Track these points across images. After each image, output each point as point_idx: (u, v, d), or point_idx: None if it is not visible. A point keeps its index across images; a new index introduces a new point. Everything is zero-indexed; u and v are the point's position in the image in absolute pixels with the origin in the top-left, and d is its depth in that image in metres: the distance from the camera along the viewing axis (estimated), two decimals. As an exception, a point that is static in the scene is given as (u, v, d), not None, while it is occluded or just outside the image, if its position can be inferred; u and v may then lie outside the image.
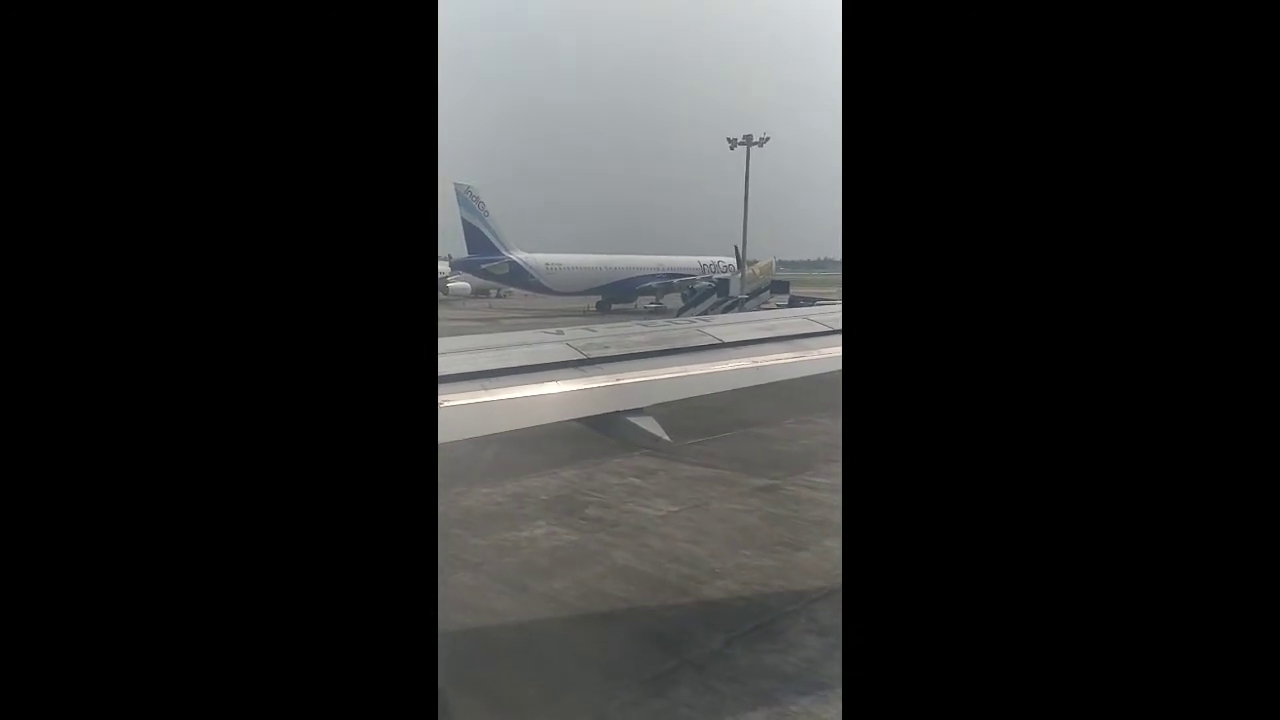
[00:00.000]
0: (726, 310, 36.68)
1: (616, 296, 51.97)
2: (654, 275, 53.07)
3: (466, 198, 47.15)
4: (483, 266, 48.78)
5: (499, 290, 62.41)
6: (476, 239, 48.14)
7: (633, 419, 4.40)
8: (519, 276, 49.36)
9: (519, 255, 49.09)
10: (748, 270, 46.10)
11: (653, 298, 51.87)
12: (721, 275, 52.17)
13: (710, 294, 44.36)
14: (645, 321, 5.95)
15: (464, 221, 47.72)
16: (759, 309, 31.27)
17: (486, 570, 8.32)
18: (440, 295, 58.52)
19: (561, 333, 5.09)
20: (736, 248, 47.01)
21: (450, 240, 55.15)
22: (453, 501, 10.68)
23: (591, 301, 51.69)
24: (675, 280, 52.21)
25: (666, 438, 4.37)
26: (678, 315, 34.17)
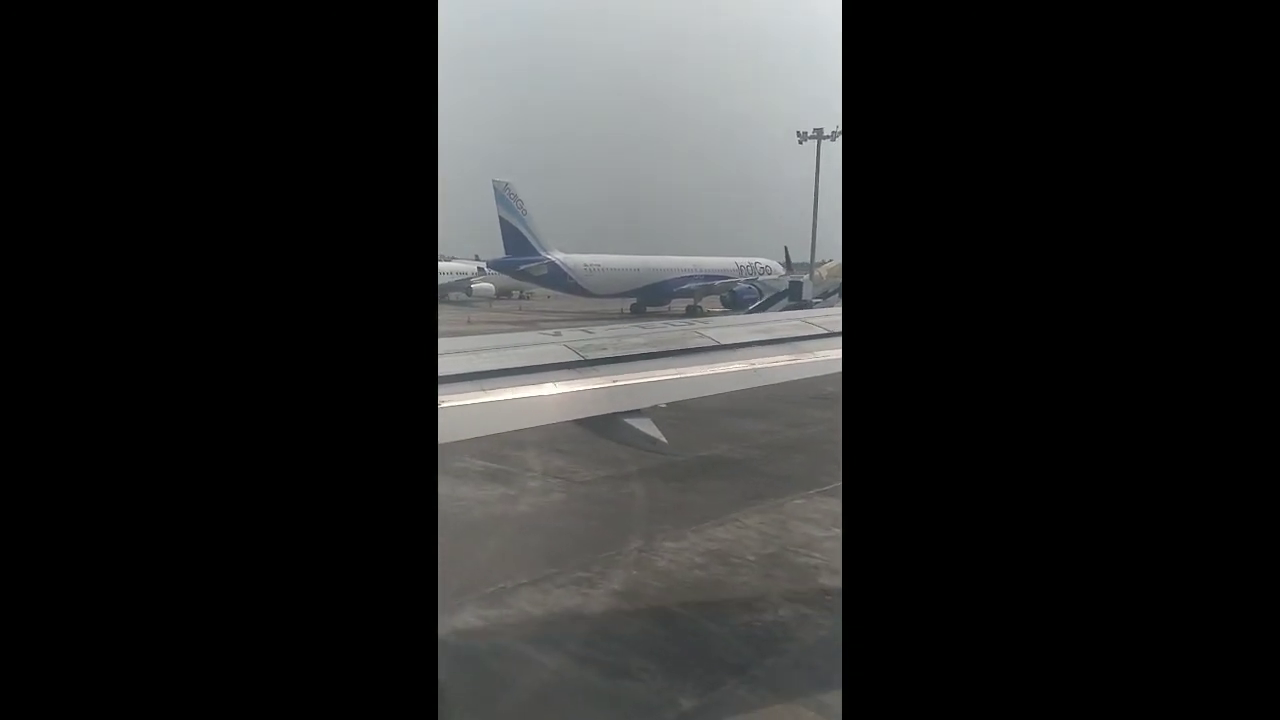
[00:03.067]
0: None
1: (652, 299, 49.94)
2: (692, 277, 51.11)
3: (505, 195, 45.07)
4: (521, 268, 46.70)
5: (523, 291, 60.62)
6: (514, 239, 46.04)
7: (630, 421, 4.34)
8: (557, 278, 47.28)
9: (557, 256, 47.01)
10: (815, 272, 44.25)
11: (691, 300, 49.90)
12: (768, 277, 50.42)
13: (781, 297, 42.49)
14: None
15: (501, 220, 45.62)
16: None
17: (763, 681, 6.34)
18: (465, 296, 56.99)
19: (559, 334, 5.03)
20: (786, 248, 45.14)
21: (487, 240, 53.44)
22: (642, 561, 8.72)
23: (625, 304, 49.66)
24: (716, 282, 50.27)
25: (664, 439, 4.33)
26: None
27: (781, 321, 6.04)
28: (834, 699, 6.14)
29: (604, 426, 4.39)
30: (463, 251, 66.71)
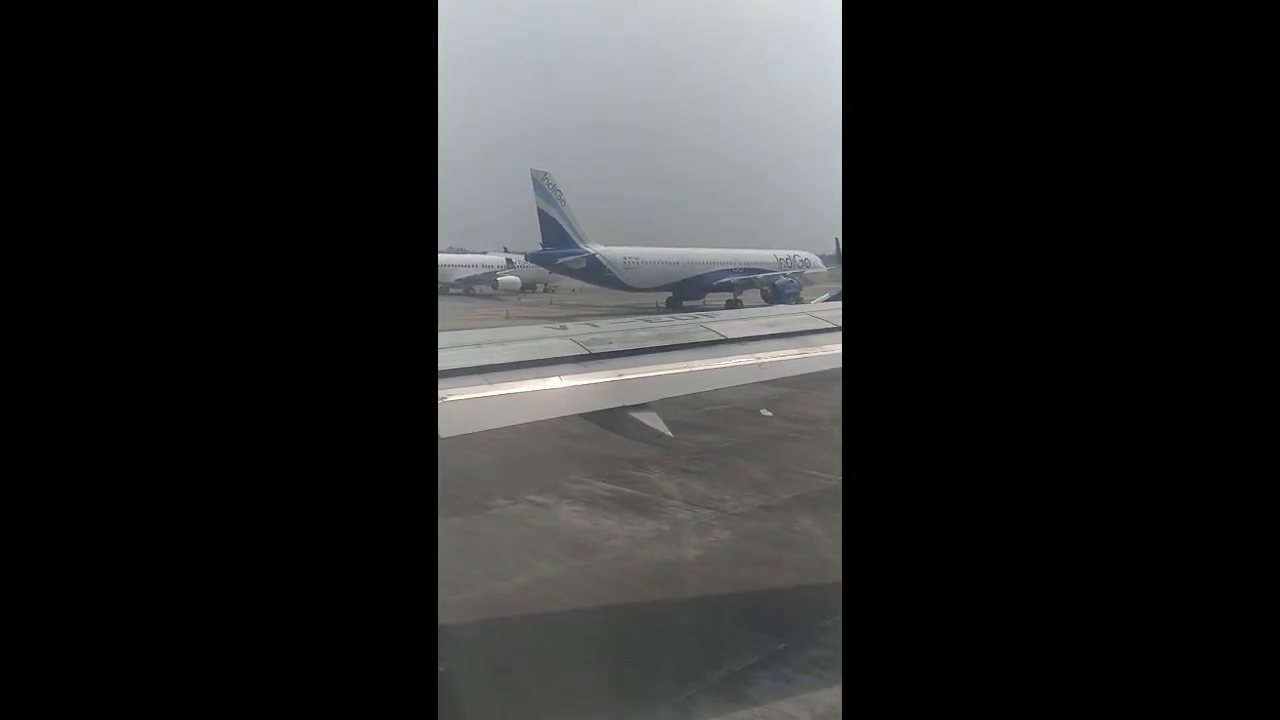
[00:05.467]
0: None
1: (688, 294, 48.13)
2: (731, 270, 49.34)
3: (543, 185, 43.14)
4: (560, 261, 44.81)
5: (547, 284, 58.96)
6: (553, 230, 44.16)
7: (636, 414, 4.26)
8: (595, 271, 45.44)
9: (596, 248, 45.17)
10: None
11: (731, 294, 48.11)
12: (809, 271, 48.82)
13: None
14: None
15: (539, 212, 43.71)
16: None
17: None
18: (490, 290, 55.40)
19: (565, 327, 4.99)
20: (838, 239, 43.19)
21: (518, 232, 51.85)
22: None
23: (659, 299, 47.84)
24: (759, 276, 48.48)
25: (669, 433, 4.26)
26: None
27: (787, 315, 5.90)
28: None
29: (609, 420, 4.28)
30: (492, 244, 65.13)
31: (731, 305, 45.22)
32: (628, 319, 5.65)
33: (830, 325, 5.55)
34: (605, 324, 5.23)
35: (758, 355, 5.06)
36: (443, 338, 4.98)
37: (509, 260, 56.88)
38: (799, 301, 38.87)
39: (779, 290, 46.61)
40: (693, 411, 16.97)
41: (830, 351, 5.15)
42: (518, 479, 11.60)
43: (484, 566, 8.35)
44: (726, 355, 5.03)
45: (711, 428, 15.50)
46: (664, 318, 5.78)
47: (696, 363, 4.82)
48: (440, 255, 58.84)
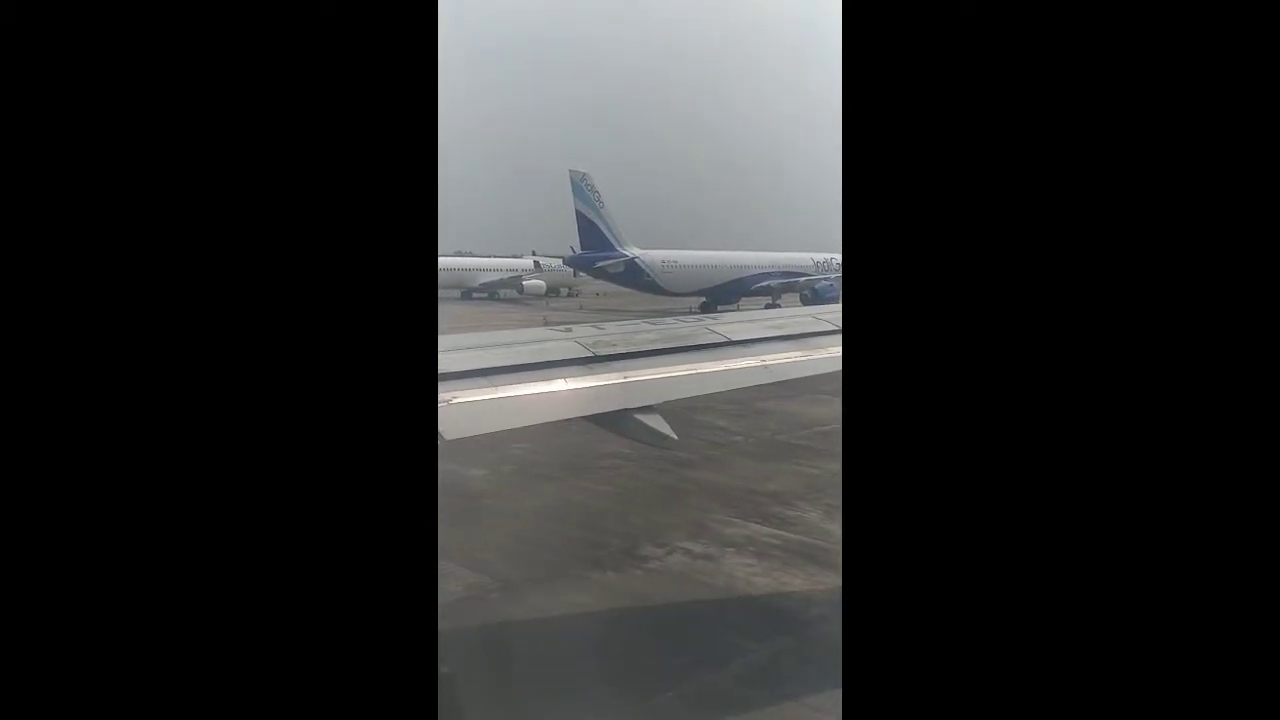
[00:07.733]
0: None
1: (724, 298, 46.63)
2: (769, 273, 47.85)
3: (581, 187, 41.66)
4: (598, 264, 43.34)
5: (571, 289, 57.62)
6: (591, 233, 42.72)
7: (640, 417, 4.27)
8: (634, 275, 44.01)
9: (634, 251, 43.71)
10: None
11: (769, 298, 46.61)
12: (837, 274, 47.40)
13: None
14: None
15: (578, 214, 42.26)
16: None
17: None
18: (515, 294, 54.08)
19: (570, 329, 5.01)
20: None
21: (547, 234, 50.65)
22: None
23: (693, 303, 46.32)
24: (800, 279, 46.97)
25: (674, 435, 4.24)
26: None
27: (792, 318, 5.96)
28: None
29: (613, 421, 4.29)
30: (520, 248, 63.84)
31: (771, 309, 43.67)
32: (632, 322, 5.66)
33: (833, 328, 5.59)
34: (611, 327, 5.25)
35: (763, 358, 5.04)
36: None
37: (536, 264, 55.60)
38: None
39: (819, 294, 45.25)
40: (806, 432, 15.47)
41: (834, 354, 5.15)
42: (652, 517, 10.04)
43: (683, 651, 6.75)
44: (732, 358, 5.02)
45: (836, 454, 13.92)
46: (669, 320, 5.84)
47: (702, 365, 4.84)
48: (463, 259, 57.85)
